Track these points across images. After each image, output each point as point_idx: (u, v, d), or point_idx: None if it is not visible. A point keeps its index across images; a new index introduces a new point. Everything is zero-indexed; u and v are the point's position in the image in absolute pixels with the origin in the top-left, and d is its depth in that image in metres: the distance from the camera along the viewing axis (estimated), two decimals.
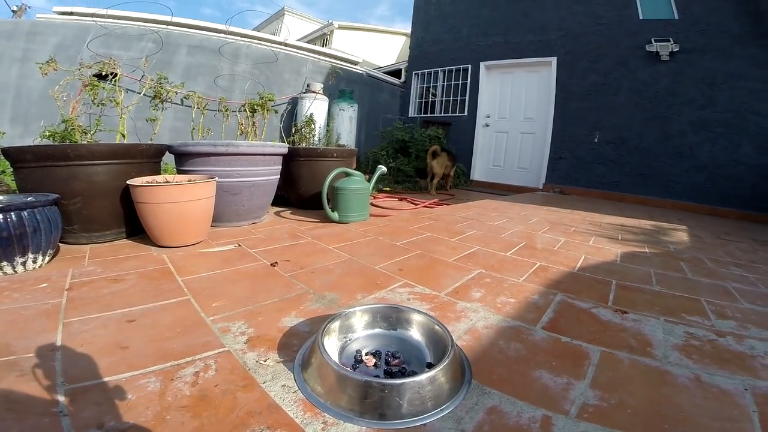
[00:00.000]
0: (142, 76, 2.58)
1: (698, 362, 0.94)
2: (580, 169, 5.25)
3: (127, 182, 1.71)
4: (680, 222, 3.42)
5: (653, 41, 4.53)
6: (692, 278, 1.67)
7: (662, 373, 0.89)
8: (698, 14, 4.36)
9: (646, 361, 0.94)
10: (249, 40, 5.60)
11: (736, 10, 4.16)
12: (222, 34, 5.28)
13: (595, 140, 5.10)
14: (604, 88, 5.03)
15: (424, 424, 0.69)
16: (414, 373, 0.77)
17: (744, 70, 4.11)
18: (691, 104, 4.42)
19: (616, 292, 1.41)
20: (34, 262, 1.40)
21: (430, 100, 7.03)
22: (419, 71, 7.12)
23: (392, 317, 0.99)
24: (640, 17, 4.75)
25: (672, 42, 4.44)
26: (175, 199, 1.68)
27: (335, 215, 2.39)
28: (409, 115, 7.20)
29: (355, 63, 7.33)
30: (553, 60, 5.42)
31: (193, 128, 2.78)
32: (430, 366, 0.83)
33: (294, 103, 5.57)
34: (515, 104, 5.94)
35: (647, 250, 2.15)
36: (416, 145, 5.57)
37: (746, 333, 1.12)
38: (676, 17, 4.51)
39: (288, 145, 2.53)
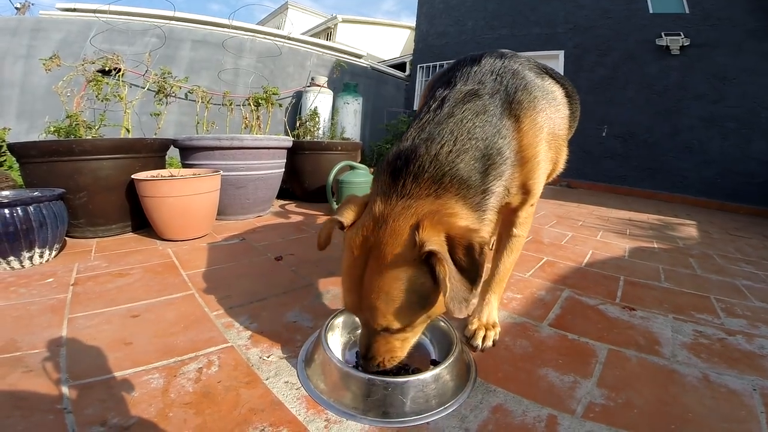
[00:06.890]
0: (146, 71, 2.57)
1: (707, 361, 0.92)
2: (587, 162, 5.19)
3: (132, 176, 1.72)
4: (689, 217, 3.37)
5: (663, 35, 4.45)
6: (701, 275, 1.64)
7: (670, 372, 0.87)
8: (709, 9, 4.27)
9: (653, 359, 0.92)
10: (253, 34, 5.56)
11: (749, 4, 4.06)
12: (225, 29, 5.25)
13: (603, 134, 5.04)
14: (612, 81, 4.95)
15: (427, 423, 0.68)
16: (418, 371, 0.77)
17: (757, 65, 4.02)
18: (702, 99, 4.34)
19: (624, 289, 1.39)
20: (41, 256, 1.41)
21: None
22: (424, 64, 7.05)
23: None
24: (650, 11, 4.66)
25: (683, 36, 4.35)
26: (180, 193, 1.68)
27: None
28: (414, 109, 7.16)
29: (359, 56, 7.26)
30: (561, 53, 5.33)
31: (198, 122, 2.78)
32: (434, 363, 0.82)
33: (298, 96, 5.53)
34: None
35: (656, 246, 2.12)
36: None
37: (756, 332, 1.10)
38: (687, 11, 4.42)
39: (292, 139, 2.52)
